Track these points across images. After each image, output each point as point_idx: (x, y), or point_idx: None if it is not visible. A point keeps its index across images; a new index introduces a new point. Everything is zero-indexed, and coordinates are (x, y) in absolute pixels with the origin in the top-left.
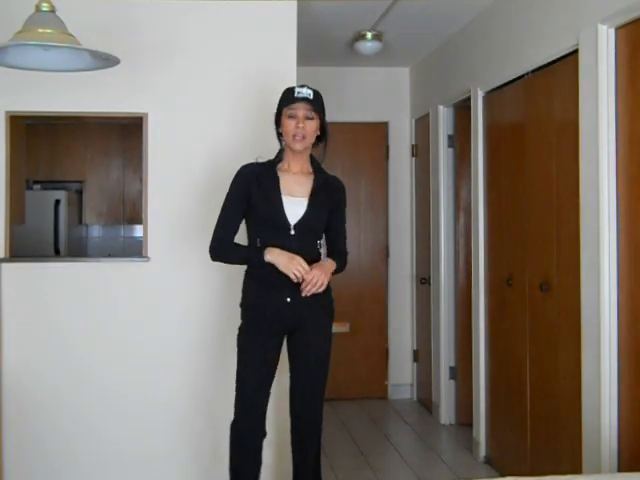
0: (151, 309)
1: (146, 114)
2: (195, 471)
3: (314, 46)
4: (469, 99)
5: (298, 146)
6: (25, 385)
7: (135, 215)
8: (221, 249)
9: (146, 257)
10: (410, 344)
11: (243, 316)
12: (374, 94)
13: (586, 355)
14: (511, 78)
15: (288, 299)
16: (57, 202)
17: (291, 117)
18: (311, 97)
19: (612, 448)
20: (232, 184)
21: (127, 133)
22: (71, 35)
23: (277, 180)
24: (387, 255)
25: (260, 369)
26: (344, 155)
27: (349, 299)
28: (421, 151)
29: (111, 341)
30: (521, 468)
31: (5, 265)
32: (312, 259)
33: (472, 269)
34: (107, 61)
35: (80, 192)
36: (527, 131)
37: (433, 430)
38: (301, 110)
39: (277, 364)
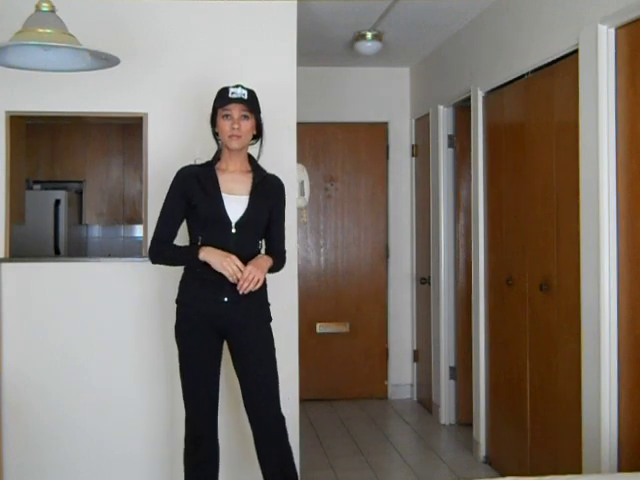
0: (151, 309)
1: (146, 114)
2: None
3: (314, 46)
4: (469, 99)
5: (235, 144)
6: (24, 384)
7: (135, 215)
8: (159, 251)
9: (146, 257)
10: (410, 344)
11: (177, 313)
12: (374, 94)
13: (586, 355)
14: (511, 78)
15: (225, 299)
16: (57, 202)
17: (226, 117)
18: (245, 97)
19: (612, 448)
20: (171, 186)
21: (127, 133)
22: (71, 35)
23: (216, 179)
24: (387, 255)
25: (199, 369)
26: (344, 155)
27: (349, 299)
28: (421, 151)
29: (110, 341)
30: (521, 468)
31: (5, 265)
32: (251, 258)
33: (472, 269)
34: (107, 61)
35: (80, 192)
36: (527, 131)
37: (433, 430)
38: (236, 110)
39: (218, 365)
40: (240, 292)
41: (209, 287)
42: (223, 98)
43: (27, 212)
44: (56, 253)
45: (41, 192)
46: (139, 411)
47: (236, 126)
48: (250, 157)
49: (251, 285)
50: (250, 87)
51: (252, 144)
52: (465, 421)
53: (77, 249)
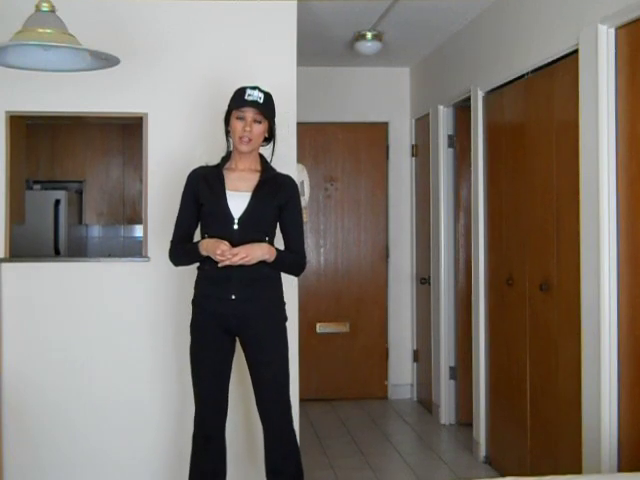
0: (151, 309)
1: (146, 114)
2: None
3: (314, 46)
4: (469, 99)
5: (244, 147)
6: (24, 384)
7: (135, 215)
8: (174, 254)
9: (146, 257)
10: (410, 344)
11: (192, 313)
12: (374, 94)
13: (586, 355)
14: (511, 78)
15: (233, 296)
16: (57, 202)
17: (240, 119)
18: (261, 101)
19: (612, 448)
20: (183, 190)
21: (127, 133)
22: (71, 35)
23: (222, 177)
24: (387, 255)
25: (210, 368)
26: (344, 155)
27: (349, 299)
28: (421, 151)
29: (110, 341)
30: (521, 468)
31: (5, 265)
32: None
33: (472, 269)
34: (107, 61)
35: (80, 192)
36: (527, 131)
37: (433, 430)
38: (250, 113)
39: (230, 364)
40: (219, 265)
41: (216, 285)
42: (239, 99)
43: (27, 212)
44: (56, 253)
45: (41, 192)
46: (139, 411)
47: (248, 129)
48: (261, 157)
49: (232, 258)
50: (267, 90)
51: (263, 146)
52: (465, 421)
53: (77, 249)
